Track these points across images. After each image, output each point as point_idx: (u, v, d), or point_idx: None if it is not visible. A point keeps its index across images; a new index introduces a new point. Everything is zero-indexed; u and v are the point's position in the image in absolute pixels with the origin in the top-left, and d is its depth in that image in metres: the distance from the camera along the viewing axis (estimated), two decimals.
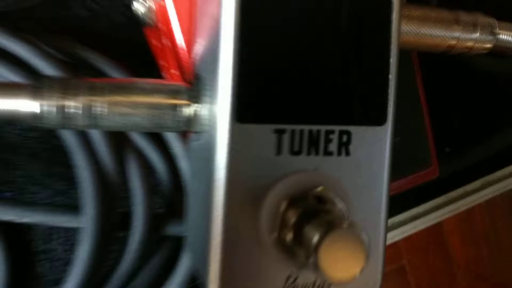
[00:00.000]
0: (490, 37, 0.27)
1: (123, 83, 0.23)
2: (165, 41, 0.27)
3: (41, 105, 0.21)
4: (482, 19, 0.27)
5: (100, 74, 0.31)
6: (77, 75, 0.31)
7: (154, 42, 0.29)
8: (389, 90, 0.20)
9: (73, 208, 0.31)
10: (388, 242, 0.39)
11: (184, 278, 0.32)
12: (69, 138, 0.29)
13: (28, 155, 0.33)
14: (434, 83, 0.34)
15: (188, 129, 0.22)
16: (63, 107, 0.22)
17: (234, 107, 0.19)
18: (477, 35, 0.27)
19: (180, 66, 0.26)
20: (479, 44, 0.27)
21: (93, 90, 0.22)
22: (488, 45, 0.27)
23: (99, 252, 0.30)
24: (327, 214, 0.18)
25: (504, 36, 0.28)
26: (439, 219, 0.36)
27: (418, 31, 0.25)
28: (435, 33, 0.26)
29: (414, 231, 0.36)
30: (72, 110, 0.22)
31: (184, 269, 0.32)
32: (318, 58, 0.19)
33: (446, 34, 0.26)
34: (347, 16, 0.20)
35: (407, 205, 0.37)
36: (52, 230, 0.34)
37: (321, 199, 0.19)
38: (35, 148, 0.33)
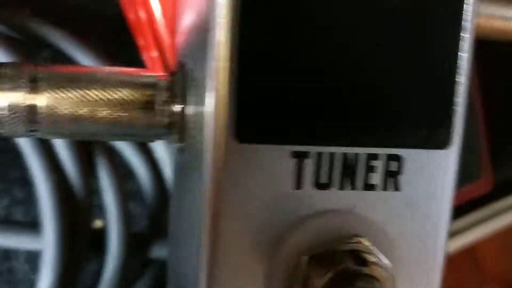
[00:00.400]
0: None
1: (77, 73, 0.16)
2: (141, 13, 0.20)
3: None
4: None
5: (65, 58, 0.24)
6: (33, 60, 0.24)
7: (130, 15, 0.23)
8: (457, 99, 0.14)
9: (34, 224, 0.25)
10: None
11: None
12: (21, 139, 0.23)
13: None
14: (489, 75, 0.28)
15: (167, 138, 0.16)
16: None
17: (233, 119, 0.13)
18: None
19: (160, 48, 0.20)
20: None
21: (35, 84, 0.16)
22: None
23: (64, 279, 0.24)
24: (368, 281, 0.12)
25: None
26: (480, 236, 0.30)
27: (490, 11, 0.18)
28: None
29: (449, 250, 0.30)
30: (2, 112, 0.15)
31: None
32: (355, 49, 0.13)
33: None
34: None
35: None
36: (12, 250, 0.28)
37: (358, 256, 0.13)
38: None
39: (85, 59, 0.24)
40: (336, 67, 0.13)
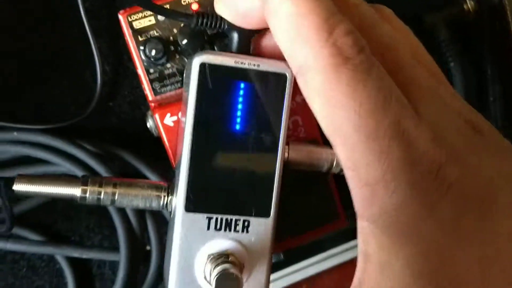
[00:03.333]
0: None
1: (131, 181, 0.39)
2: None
3: (88, 192, 0.38)
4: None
5: (126, 164, 0.47)
6: (111, 166, 0.47)
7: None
8: (274, 195, 0.34)
9: (115, 248, 0.48)
10: None
11: None
12: (111, 209, 0.46)
13: (86, 212, 0.50)
14: None
15: (166, 209, 0.38)
16: (97, 193, 0.38)
17: (184, 202, 0.34)
18: None
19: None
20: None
21: (114, 186, 0.38)
22: None
23: (130, 277, 0.46)
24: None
25: None
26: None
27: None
28: None
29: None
30: (102, 196, 0.38)
31: None
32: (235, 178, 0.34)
33: None
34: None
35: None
36: (102, 261, 0.51)
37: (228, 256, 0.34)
38: (91, 207, 0.50)
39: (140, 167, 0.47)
40: (227, 184, 0.34)
